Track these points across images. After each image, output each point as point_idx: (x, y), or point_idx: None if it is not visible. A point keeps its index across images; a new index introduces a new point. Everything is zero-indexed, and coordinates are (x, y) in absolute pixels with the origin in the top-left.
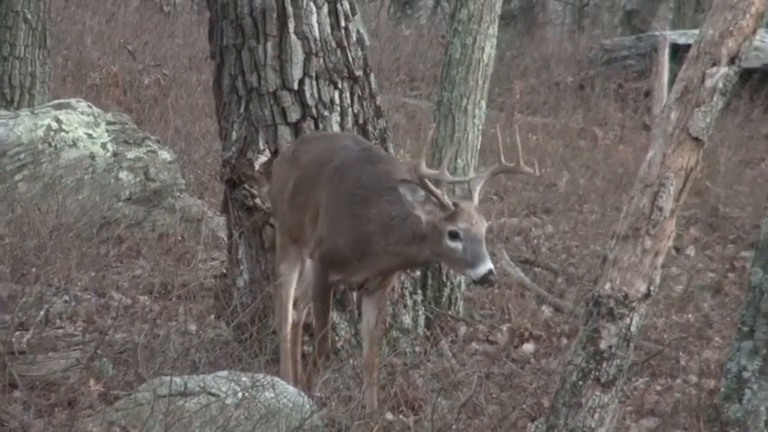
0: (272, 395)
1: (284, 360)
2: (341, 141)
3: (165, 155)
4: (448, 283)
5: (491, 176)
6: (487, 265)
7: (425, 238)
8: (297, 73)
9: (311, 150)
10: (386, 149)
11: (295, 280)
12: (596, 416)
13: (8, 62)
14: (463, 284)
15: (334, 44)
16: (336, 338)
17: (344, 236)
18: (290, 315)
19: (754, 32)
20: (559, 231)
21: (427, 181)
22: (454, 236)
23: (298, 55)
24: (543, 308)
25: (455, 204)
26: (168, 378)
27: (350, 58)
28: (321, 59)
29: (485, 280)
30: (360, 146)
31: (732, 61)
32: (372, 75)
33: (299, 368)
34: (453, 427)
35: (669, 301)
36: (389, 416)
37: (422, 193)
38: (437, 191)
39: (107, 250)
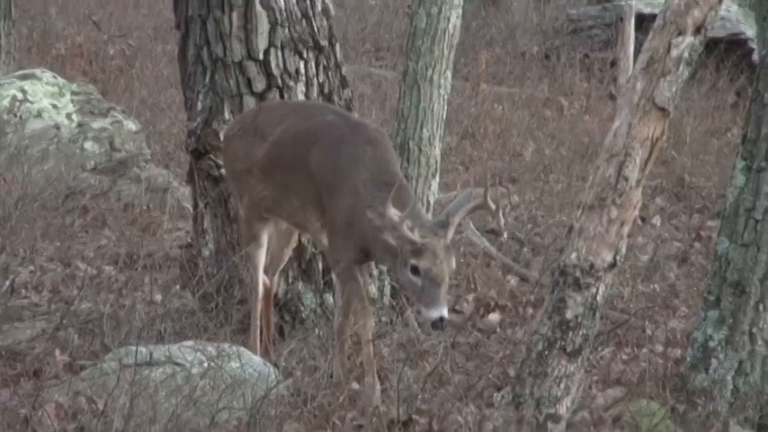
0: (238, 365)
1: (253, 330)
2: (322, 116)
3: (131, 125)
4: None
5: (471, 212)
6: (440, 312)
7: (396, 255)
8: (262, 43)
9: (280, 122)
10: None
11: (264, 249)
12: (562, 385)
13: None
14: None
15: (299, 14)
16: (302, 308)
17: (348, 212)
18: (261, 285)
19: (719, 2)
20: (525, 201)
21: (394, 217)
22: (414, 271)
23: (263, 25)
24: (509, 277)
25: (423, 239)
26: (134, 348)
27: (315, 29)
28: (286, 29)
29: (434, 325)
30: (348, 121)
31: (698, 31)
32: (338, 45)
33: (270, 333)
34: (419, 396)
35: (635, 270)
36: (355, 385)
37: (388, 218)
38: (405, 228)
39: (72, 220)
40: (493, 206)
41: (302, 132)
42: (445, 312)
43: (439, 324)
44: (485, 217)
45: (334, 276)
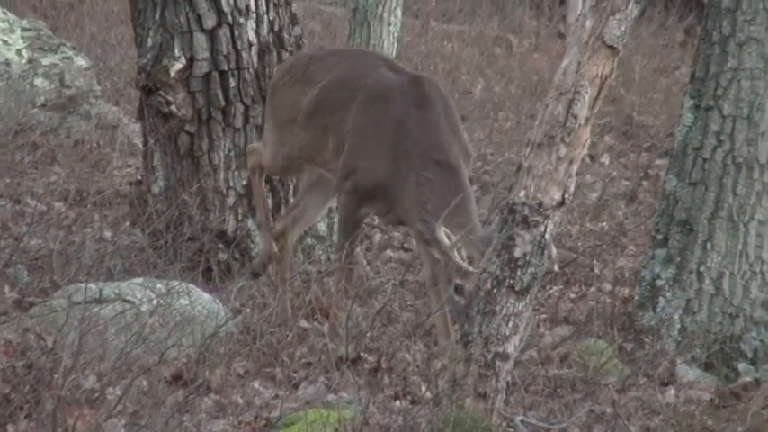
0: (187, 302)
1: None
2: (374, 64)
3: (81, 62)
4: None
5: None
6: None
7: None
8: None
9: (331, 69)
10: None
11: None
12: (510, 323)
13: None
14: None
15: None
16: (251, 245)
17: (376, 175)
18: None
19: None
20: (474, 139)
21: (444, 241)
22: (459, 291)
23: None
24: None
25: (470, 260)
26: (83, 285)
27: None
28: None
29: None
30: (400, 75)
31: None
32: None
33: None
34: (368, 334)
35: (583, 209)
36: (304, 323)
37: (440, 237)
38: (458, 260)
39: (22, 157)
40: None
41: (353, 78)
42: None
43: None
44: None
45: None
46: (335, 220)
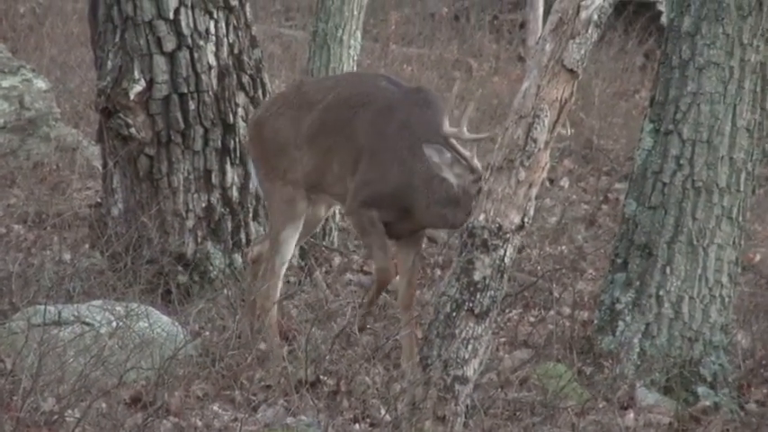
0: (146, 325)
1: (271, 336)
2: (375, 81)
3: (41, 84)
4: None
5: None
6: None
7: (459, 202)
8: (173, 2)
9: (329, 90)
10: (261, 80)
11: (295, 240)
12: (470, 347)
13: None
14: (338, 215)
15: None
16: (211, 268)
17: (390, 182)
18: (281, 283)
19: None
20: None
21: (454, 141)
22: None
23: None
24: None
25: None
26: (42, 307)
27: None
28: None
29: None
30: (400, 87)
31: None
32: (247, 4)
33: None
34: (327, 357)
35: (543, 232)
36: (263, 346)
37: (448, 154)
38: (465, 152)
39: None
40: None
41: (354, 95)
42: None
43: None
44: None
45: (358, 232)
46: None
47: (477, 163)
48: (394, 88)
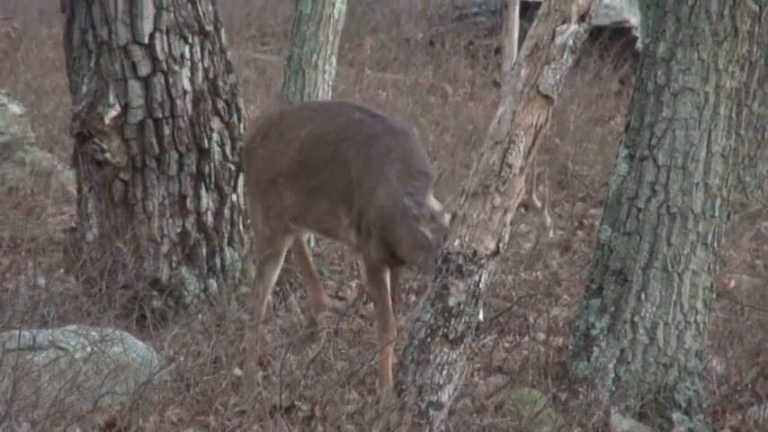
0: (121, 350)
1: (250, 353)
2: (349, 114)
3: (15, 108)
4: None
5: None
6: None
7: (430, 250)
8: (147, 27)
9: (304, 125)
10: (236, 105)
11: (278, 268)
12: (444, 372)
13: None
14: (312, 240)
15: None
16: (185, 293)
17: (376, 207)
18: (265, 306)
19: None
20: None
21: (435, 206)
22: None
23: (148, 9)
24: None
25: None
26: (17, 332)
27: (200, 13)
28: (172, 14)
29: None
30: (376, 117)
31: (582, 19)
32: (223, 29)
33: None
34: (302, 382)
35: (518, 258)
36: (238, 371)
37: (427, 209)
38: (446, 219)
39: None
40: (538, 204)
41: (329, 132)
42: (481, 316)
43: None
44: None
45: (363, 273)
46: None
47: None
48: (369, 118)
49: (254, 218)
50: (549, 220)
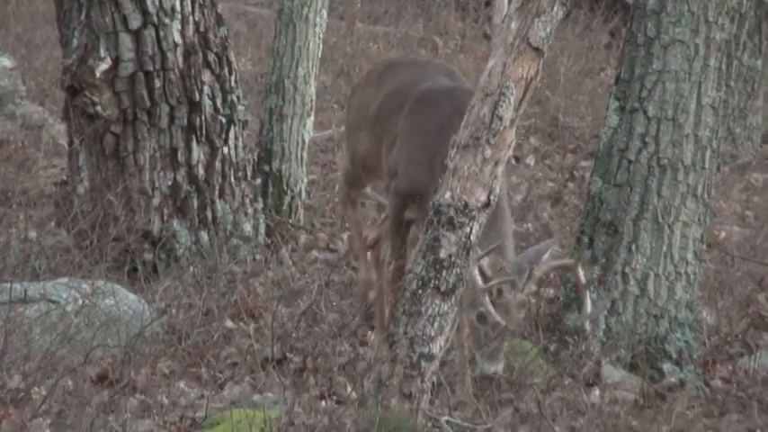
0: (113, 302)
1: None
2: (434, 72)
3: (6, 62)
4: (288, 191)
5: (554, 270)
6: (496, 368)
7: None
8: None
9: (397, 78)
10: (227, 58)
11: (358, 211)
12: (436, 324)
13: None
14: (304, 193)
15: None
16: (177, 246)
17: (419, 179)
18: (368, 257)
19: None
20: None
21: (478, 281)
22: (481, 319)
23: None
24: (383, 216)
25: (501, 297)
26: (8, 285)
27: None
28: None
29: (485, 377)
30: (454, 82)
31: None
32: None
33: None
34: (293, 334)
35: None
36: (230, 323)
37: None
38: (487, 303)
39: None
40: (584, 280)
41: (406, 85)
42: (499, 368)
43: (490, 377)
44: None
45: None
46: (261, 221)
47: (496, 317)
48: (448, 82)
49: (341, 162)
50: (589, 304)
